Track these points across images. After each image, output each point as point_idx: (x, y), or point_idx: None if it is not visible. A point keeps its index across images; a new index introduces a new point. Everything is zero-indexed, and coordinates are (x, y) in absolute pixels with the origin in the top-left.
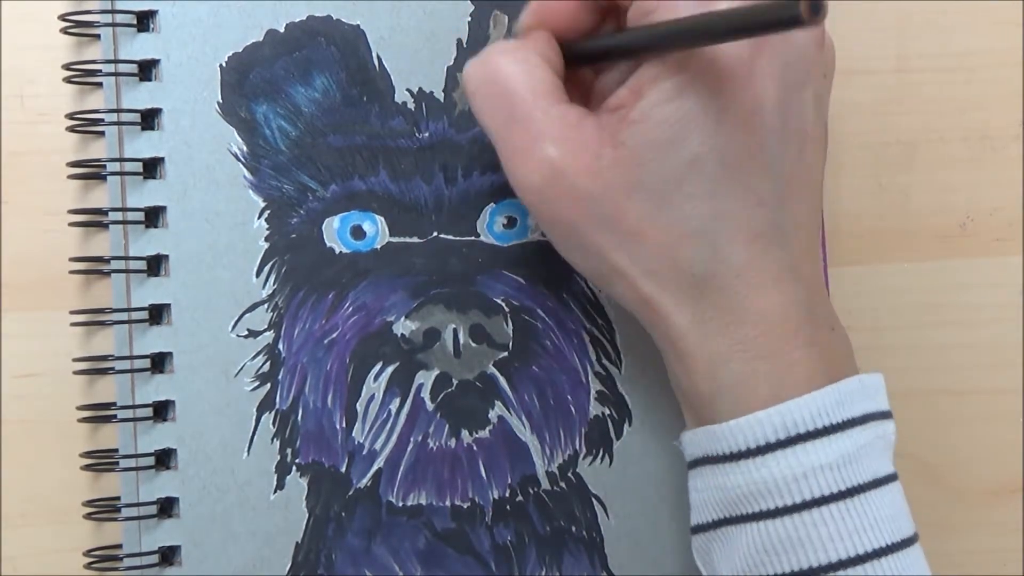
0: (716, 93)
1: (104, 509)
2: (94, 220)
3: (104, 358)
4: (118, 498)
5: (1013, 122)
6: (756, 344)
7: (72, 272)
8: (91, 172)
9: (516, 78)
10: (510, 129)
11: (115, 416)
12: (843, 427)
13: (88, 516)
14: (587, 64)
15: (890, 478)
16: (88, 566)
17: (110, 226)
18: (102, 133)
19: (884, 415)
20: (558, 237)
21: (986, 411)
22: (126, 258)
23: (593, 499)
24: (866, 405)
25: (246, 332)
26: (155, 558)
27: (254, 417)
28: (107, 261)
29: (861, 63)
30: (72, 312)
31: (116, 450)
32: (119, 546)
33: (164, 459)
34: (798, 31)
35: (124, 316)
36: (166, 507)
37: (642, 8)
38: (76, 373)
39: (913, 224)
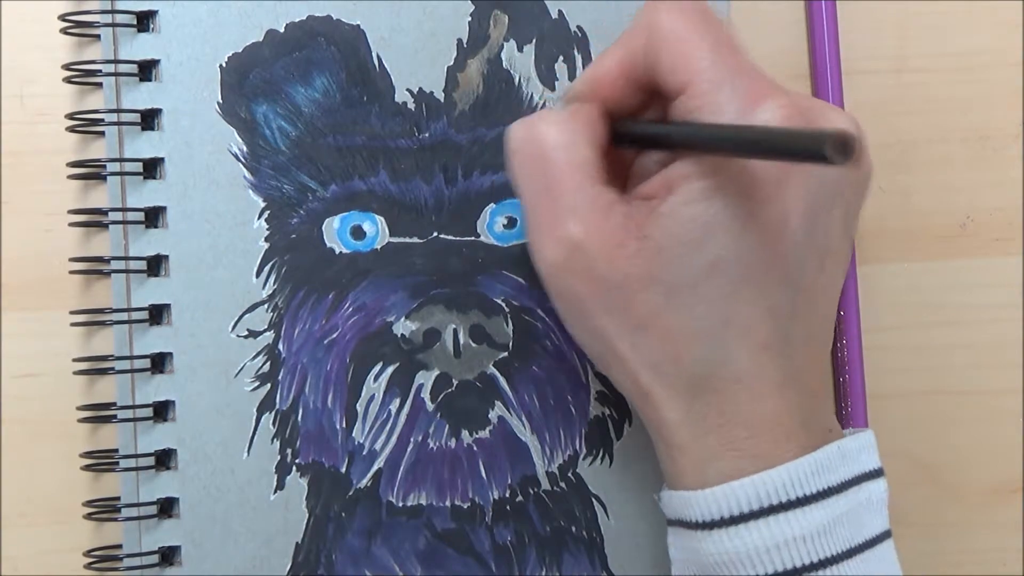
0: (745, 201)
1: (104, 509)
2: (94, 220)
3: (104, 358)
4: (118, 498)
5: (1013, 122)
6: (747, 445)
7: (72, 272)
8: (91, 172)
9: (559, 150)
10: (542, 198)
11: (115, 416)
12: (819, 497)
13: (88, 516)
14: (628, 145)
15: (869, 543)
16: (88, 566)
17: (110, 226)
18: (102, 133)
19: (871, 475)
20: (566, 312)
21: (986, 411)
22: (126, 258)
23: (593, 499)
24: (846, 471)
25: (246, 332)
26: (155, 558)
27: (254, 417)
28: (107, 261)
29: (861, 63)
30: (72, 312)
31: (116, 450)
32: (119, 546)
33: (164, 459)
34: None
35: (124, 316)
36: (166, 507)
37: (686, 105)
38: (76, 373)
39: (913, 224)
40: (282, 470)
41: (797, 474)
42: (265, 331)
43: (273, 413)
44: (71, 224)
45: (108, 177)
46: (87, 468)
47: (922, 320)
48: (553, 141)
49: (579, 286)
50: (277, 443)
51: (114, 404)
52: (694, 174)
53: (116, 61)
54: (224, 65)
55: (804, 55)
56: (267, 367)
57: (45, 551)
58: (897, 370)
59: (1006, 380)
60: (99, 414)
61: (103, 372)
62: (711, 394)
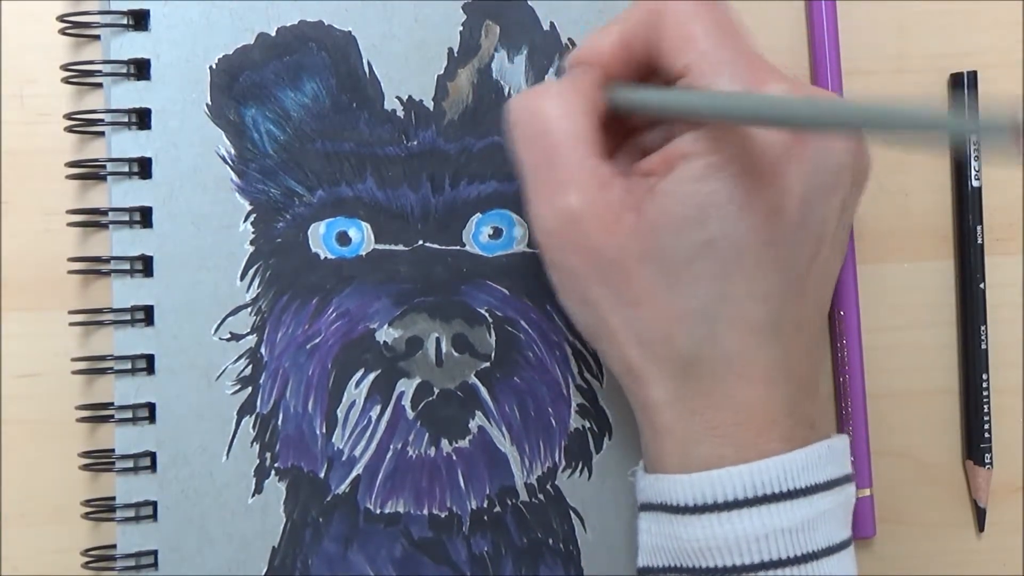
0: (743, 183)
1: (101, 509)
2: (92, 220)
3: (102, 358)
4: (114, 498)
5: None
6: (731, 432)
7: (70, 272)
8: (90, 172)
9: (558, 121)
10: (541, 169)
11: (112, 416)
12: (807, 492)
13: (86, 516)
14: (638, 114)
15: (843, 544)
16: (85, 565)
17: (109, 226)
18: (101, 133)
19: (848, 478)
20: (560, 283)
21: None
22: (125, 258)
23: (571, 512)
24: (831, 471)
25: (229, 335)
26: (150, 559)
27: (234, 421)
28: (106, 261)
29: (861, 63)
30: (71, 312)
31: (113, 450)
32: (114, 546)
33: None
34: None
35: (123, 316)
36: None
37: (686, 86)
38: (75, 373)
39: (913, 224)
40: (261, 474)
41: (791, 467)
42: (248, 334)
43: (253, 417)
44: (69, 224)
45: (108, 177)
46: (85, 468)
47: (922, 320)
48: (553, 112)
49: (574, 257)
50: (256, 447)
51: (111, 404)
52: (694, 153)
53: (115, 62)
54: (214, 67)
55: (804, 55)
56: (249, 370)
57: (44, 550)
58: (897, 370)
59: (1006, 380)
60: (97, 414)
61: (101, 372)
62: (699, 376)
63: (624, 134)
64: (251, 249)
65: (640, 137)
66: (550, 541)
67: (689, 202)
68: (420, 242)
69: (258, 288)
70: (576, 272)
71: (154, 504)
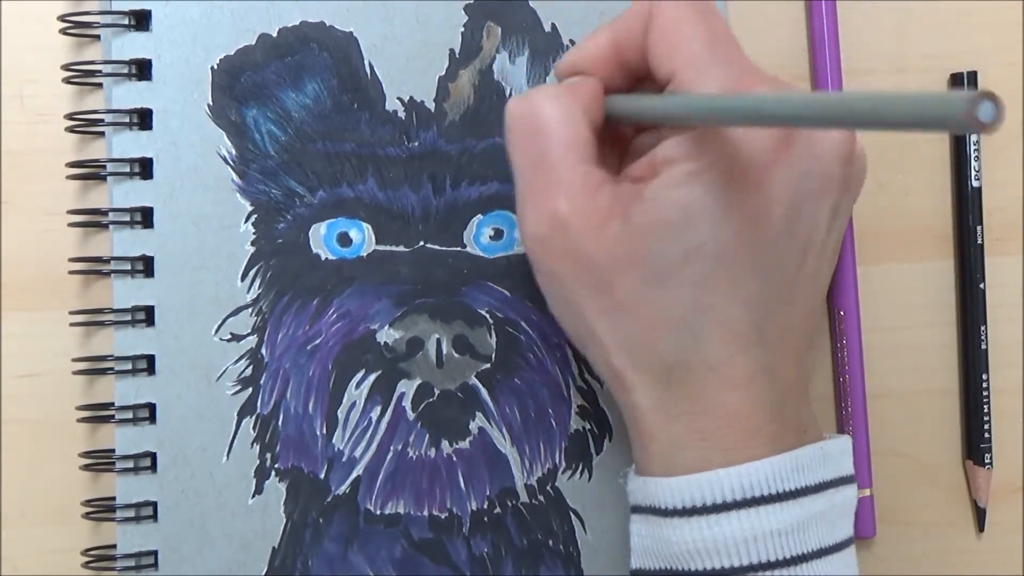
0: (728, 187)
1: (101, 509)
2: (93, 220)
3: (103, 358)
4: (114, 498)
5: (1013, 122)
6: (716, 436)
7: (71, 272)
8: (90, 172)
9: (553, 126)
10: (533, 172)
11: (113, 416)
12: (797, 494)
13: (86, 516)
14: (627, 123)
15: (837, 546)
16: (85, 565)
17: (110, 226)
18: (101, 133)
19: (844, 480)
20: (547, 288)
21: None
22: (126, 259)
23: (571, 513)
24: (824, 473)
25: (229, 336)
26: (150, 559)
27: (235, 421)
28: (107, 261)
29: (861, 63)
30: (71, 312)
31: (114, 450)
32: (114, 546)
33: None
34: (826, 143)
35: (123, 317)
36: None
37: (674, 91)
38: (75, 373)
39: (913, 224)
40: (261, 475)
41: (780, 469)
42: (248, 335)
43: (254, 417)
44: (70, 224)
45: (108, 177)
46: (85, 468)
47: (922, 320)
48: (548, 116)
49: (560, 263)
50: (257, 447)
51: (112, 404)
52: (679, 157)
53: (115, 62)
54: (215, 67)
55: (804, 55)
56: (249, 371)
57: (44, 550)
58: (897, 370)
59: (1006, 380)
60: (97, 414)
61: (102, 372)
62: (683, 381)
63: (624, 142)
64: (252, 250)
65: (637, 142)
66: (550, 542)
67: (673, 207)
68: (421, 243)
69: (259, 289)
70: (563, 277)
71: (154, 504)
